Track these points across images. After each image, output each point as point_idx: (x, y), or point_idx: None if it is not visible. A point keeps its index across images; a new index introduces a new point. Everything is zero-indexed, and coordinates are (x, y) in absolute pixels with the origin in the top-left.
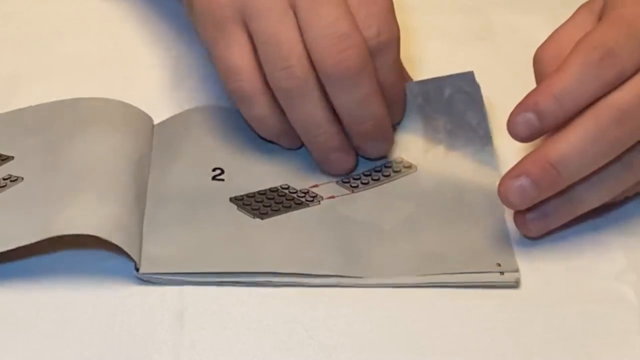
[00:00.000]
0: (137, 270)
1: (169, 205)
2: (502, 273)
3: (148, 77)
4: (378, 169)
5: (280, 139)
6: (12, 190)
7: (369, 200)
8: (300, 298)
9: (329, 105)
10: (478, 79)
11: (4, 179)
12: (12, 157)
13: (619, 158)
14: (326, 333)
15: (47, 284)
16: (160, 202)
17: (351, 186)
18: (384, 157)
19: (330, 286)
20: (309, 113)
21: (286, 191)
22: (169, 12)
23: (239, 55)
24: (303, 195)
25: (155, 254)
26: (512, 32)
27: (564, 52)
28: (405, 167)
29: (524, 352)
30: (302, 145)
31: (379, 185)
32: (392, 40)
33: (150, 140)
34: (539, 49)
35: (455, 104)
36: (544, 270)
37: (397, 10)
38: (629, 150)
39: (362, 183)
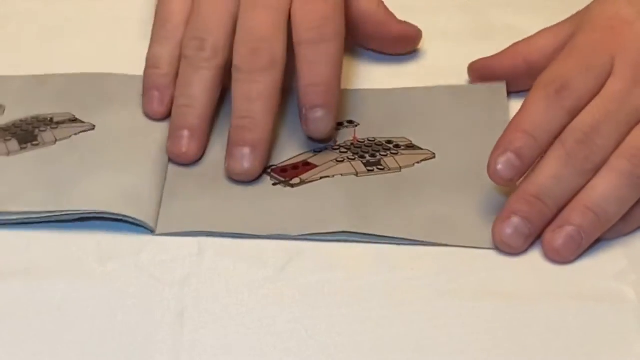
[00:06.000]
0: (152, 231)
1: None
2: None
3: None
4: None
5: (151, 92)
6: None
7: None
8: (300, 298)
9: (215, 95)
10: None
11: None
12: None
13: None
14: (326, 333)
15: (47, 284)
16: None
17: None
18: (325, 139)
19: (336, 240)
20: (193, 85)
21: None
22: None
23: (177, 5)
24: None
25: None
26: (512, 32)
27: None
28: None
29: (524, 352)
30: (164, 117)
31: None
32: None
33: None
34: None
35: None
36: (544, 270)
37: (397, 11)
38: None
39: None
